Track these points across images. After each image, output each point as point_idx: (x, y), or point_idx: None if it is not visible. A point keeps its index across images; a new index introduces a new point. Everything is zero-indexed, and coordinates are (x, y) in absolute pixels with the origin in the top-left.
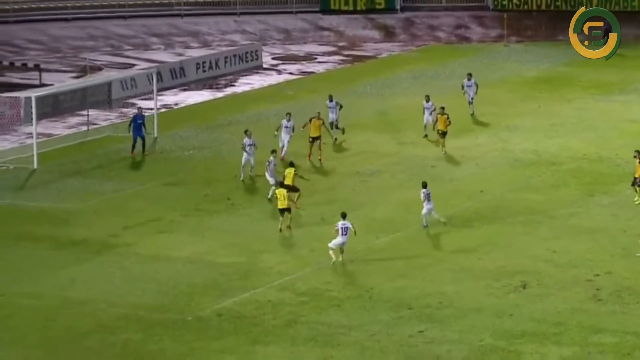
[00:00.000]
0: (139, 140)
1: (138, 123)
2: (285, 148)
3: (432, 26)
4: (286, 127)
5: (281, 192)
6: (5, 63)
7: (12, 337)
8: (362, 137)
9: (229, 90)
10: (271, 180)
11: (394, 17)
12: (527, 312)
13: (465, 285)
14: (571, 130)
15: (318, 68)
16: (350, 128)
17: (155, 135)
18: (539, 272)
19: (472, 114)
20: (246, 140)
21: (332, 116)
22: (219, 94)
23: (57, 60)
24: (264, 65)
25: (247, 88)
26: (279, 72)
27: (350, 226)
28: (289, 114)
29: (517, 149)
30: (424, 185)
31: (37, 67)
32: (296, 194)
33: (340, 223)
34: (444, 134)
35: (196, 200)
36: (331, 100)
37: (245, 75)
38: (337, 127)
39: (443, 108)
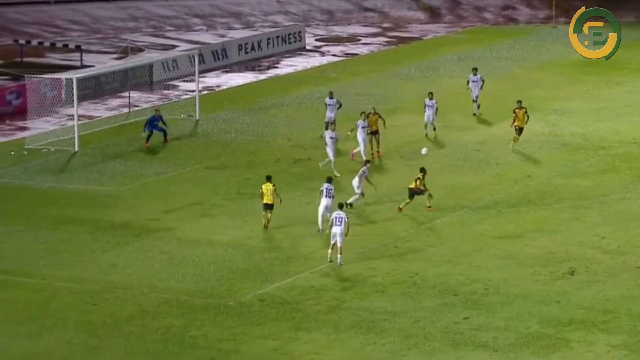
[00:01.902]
0: (156, 131)
1: (155, 124)
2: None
3: (478, 7)
4: (363, 127)
5: (267, 187)
6: (47, 44)
7: (53, 320)
8: (407, 119)
9: (272, 72)
10: (357, 190)
11: None
12: (575, 299)
13: (511, 272)
14: (620, 113)
15: (362, 50)
16: (395, 111)
17: (197, 117)
18: (587, 259)
19: (475, 114)
20: (328, 133)
21: (329, 115)
22: (262, 76)
23: (98, 41)
24: (307, 47)
25: (290, 70)
26: (322, 53)
27: (345, 218)
28: (363, 113)
29: (565, 133)
30: (329, 180)
31: (78, 48)
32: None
33: (335, 213)
34: (520, 131)
35: (238, 184)
36: (331, 98)
37: (288, 57)
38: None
39: (520, 102)
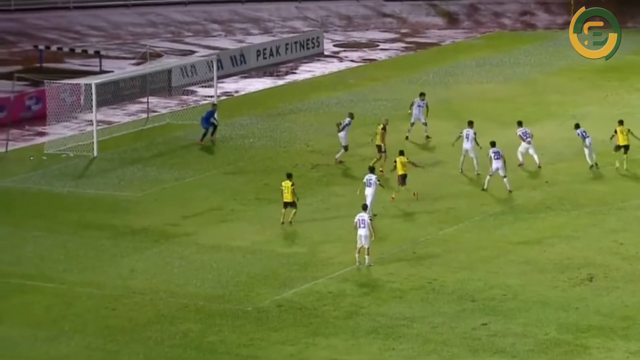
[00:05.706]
0: (208, 128)
1: (210, 119)
2: (475, 162)
3: (496, 13)
4: (467, 136)
5: (286, 185)
6: (66, 49)
7: (72, 325)
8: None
9: (290, 78)
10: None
11: (458, 4)
12: (593, 305)
13: (530, 278)
14: None
15: (380, 55)
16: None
17: (216, 123)
18: (606, 265)
19: (407, 137)
20: (492, 150)
21: (342, 135)
22: (280, 82)
23: (117, 47)
24: (325, 53)
25: (308, 75)
26: (340, 59)
27: (368, 220)
28: (471, 122)
29: None
30: (371, 171)
31: (97, 54)
32: None
33: (359, 215)
34: (625, 148)
35: (256, 190)
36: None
37: (306, 63)
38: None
39: (622, 122)
